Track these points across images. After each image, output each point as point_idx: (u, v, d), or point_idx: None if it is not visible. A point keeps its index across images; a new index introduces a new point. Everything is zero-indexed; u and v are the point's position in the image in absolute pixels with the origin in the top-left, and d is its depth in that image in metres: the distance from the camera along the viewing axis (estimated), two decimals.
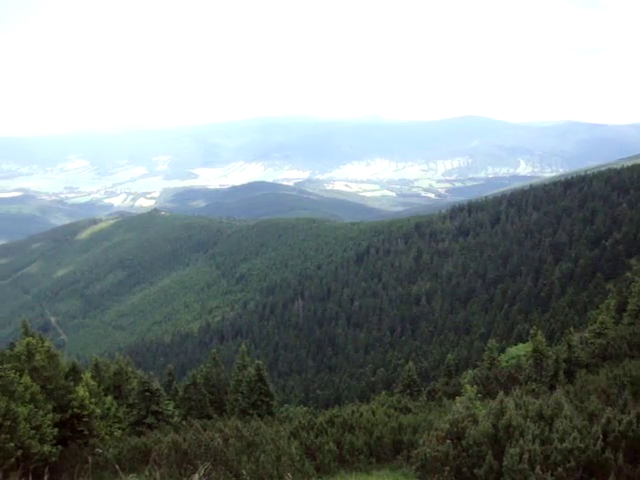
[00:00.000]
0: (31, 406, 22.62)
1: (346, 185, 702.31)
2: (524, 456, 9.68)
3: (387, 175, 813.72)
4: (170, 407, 32.91)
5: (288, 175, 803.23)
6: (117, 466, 11.89)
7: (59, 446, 23.14)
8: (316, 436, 18.13)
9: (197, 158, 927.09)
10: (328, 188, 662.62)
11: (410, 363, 52.91)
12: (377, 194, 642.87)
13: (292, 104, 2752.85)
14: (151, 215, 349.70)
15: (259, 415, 33.58)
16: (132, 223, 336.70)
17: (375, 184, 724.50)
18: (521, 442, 10.09)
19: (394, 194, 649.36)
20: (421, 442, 13.37)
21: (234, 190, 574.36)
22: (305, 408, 49.98)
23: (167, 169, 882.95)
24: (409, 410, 25.79)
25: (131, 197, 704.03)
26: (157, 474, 13.61)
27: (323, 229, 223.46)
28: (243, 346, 48.69)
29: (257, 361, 39.91)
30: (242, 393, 37.74)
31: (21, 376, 23.96)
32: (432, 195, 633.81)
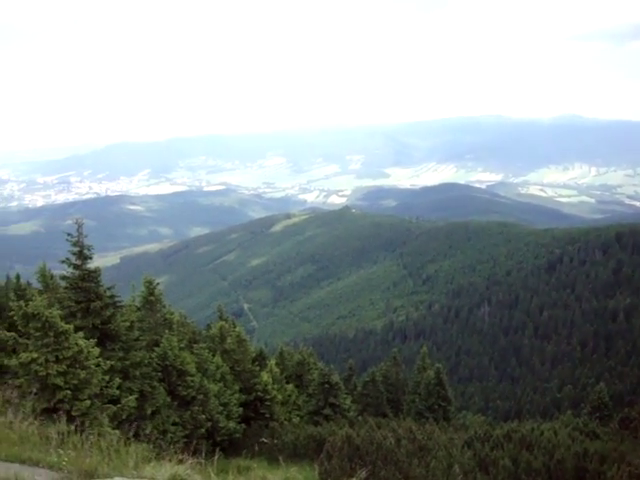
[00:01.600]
0: (221, 385, 24.32)
1: (541, 189, 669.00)
2: None
3: (586, 180, 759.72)
4: (347, 401, 33.53)
5: (480, 177, 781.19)
6: (280, 457, 12.26)
7: (243, 424, 24.66)
8: (491, 449, 17.43)
9: (389, 157, 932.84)
10: (522, 192, 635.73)
11: (602, 384, 49.04)
12: (574, 200, 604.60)
13: (487, 104, 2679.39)
14: (342, 212, 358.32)
15: (435, 419, 33.16)
16: (324, 219, 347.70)
17: (572, 189, 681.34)
18: None
19: (593, 200, 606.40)
20: (609, 475, 12.31)
21: (425, 191, 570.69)
22: (483, 418, 48.51)
23: (359, 168, 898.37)
24: (597, 436, 23.86)
25: (324, 194, 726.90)
26: (328, 464, 13.97)
27: (514, 234, 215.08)
28: (424, 348, 48.33)
29: (437, 364, 39.47)
30: (420, 395, 37.51)
31: (214, 356, 25.84)
32: (637, 203, 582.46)
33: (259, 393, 27.40)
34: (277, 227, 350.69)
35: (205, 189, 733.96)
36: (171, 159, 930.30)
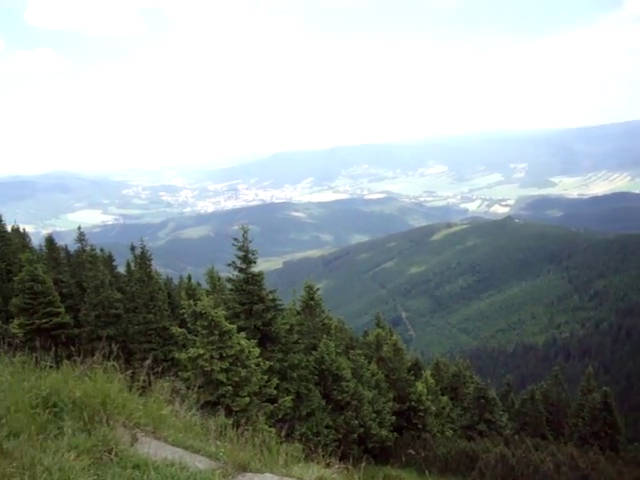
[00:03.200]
0: (375, 392, 24.53)
1: None
2: None
3: None
4: (504, 418, 32.47)
5: None
6: (427, 470, 12.16)
7: (395, 433, 24.66)
8: None
9: (555, 165, 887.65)
10: None
11: None
12: None
13: None
14: (504, 222, 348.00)
15: (600, 448, 31.07)
16: (485, 229, 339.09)
17: None
18: None
19: None
20: None
21: (594, 200, 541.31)
22: None
23: (523, 176, 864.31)
24: None
25: (486, 203, 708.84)
26: None
27: None
28: (590, 368, 45.76)
29: (605, 387, 37.10)
30: (583, 419, 35.42)
31: (369, 363, 26.15)
32: None
33: (413, 403, 27.29)
34: (437, 236, 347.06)
35: (366, 197, 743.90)
36: (334, 168, 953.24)
